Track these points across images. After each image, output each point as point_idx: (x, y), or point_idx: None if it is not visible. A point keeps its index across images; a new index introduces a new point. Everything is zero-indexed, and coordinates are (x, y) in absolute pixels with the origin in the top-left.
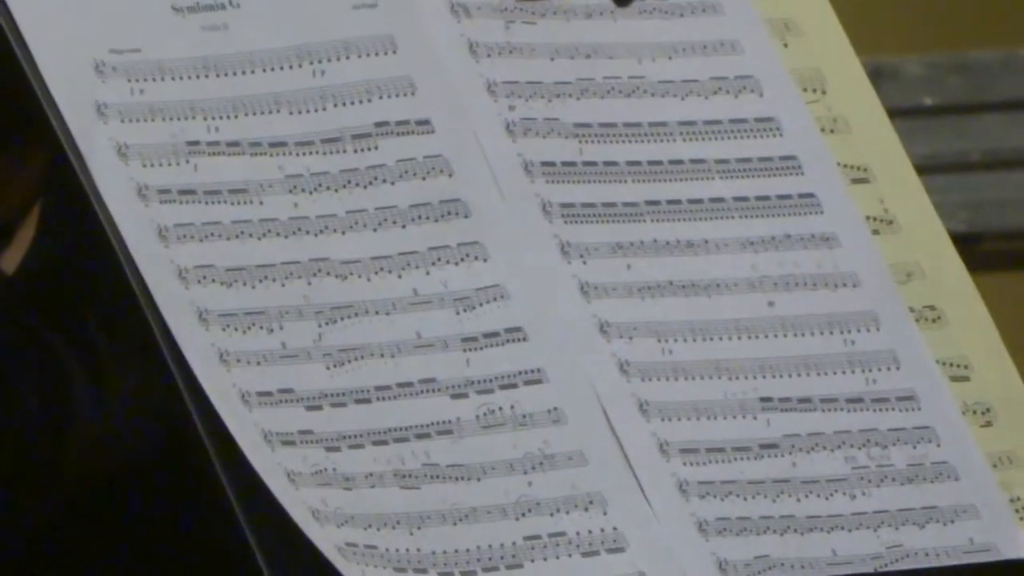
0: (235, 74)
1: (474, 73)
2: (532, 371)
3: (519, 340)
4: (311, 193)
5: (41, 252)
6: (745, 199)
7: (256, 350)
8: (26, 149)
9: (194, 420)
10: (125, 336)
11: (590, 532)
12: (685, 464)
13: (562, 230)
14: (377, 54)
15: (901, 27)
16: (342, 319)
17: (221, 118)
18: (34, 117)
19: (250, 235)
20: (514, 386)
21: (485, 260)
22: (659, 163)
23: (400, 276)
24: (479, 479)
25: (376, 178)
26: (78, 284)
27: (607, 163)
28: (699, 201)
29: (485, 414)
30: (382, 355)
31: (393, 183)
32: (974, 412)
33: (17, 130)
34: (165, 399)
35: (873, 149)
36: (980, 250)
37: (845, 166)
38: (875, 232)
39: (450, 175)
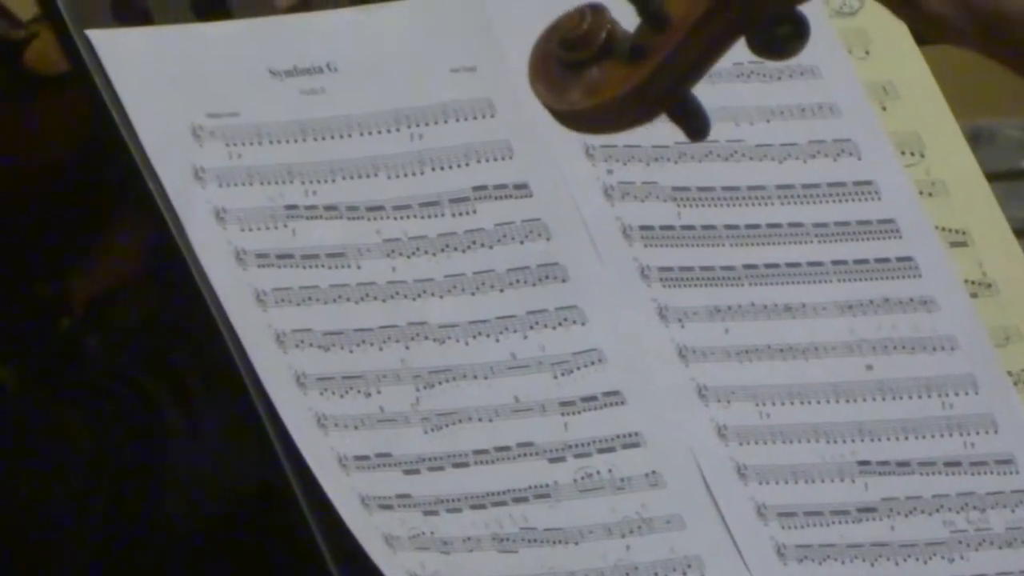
0: (333, 138)
1: (572, 137)
2: (630, 435)
3: (617, 404)
4: (409, 257)
5: (146, 311)
6: (843, 262)
7: (354, 414)
8: (135, 216)
9: (291, 483)
10: (223, 398)
11: None
12: (783, 528)
13: (660, 294)
14: (475, 118)
15: (999, 91)
16: (440, 383)
17: (319, 182)
18: (133, 182)
19: (348, 299)
20: (612, 450)
21: (583, 324)
22: (757, 227)
23: (498, 340)
24: (577, 543)
25: (474, 242)
26: (180, 344)
27: (705, 227)
28: (797, 264)
29: (583, 478)
30: (480, 419)
31: (491, 247)
32: None
33: (126, 197)
34: (261, 462)
35: (971, 212)
36: None
37: (943, 229)
38: (973, 295)
39: (548, 239)
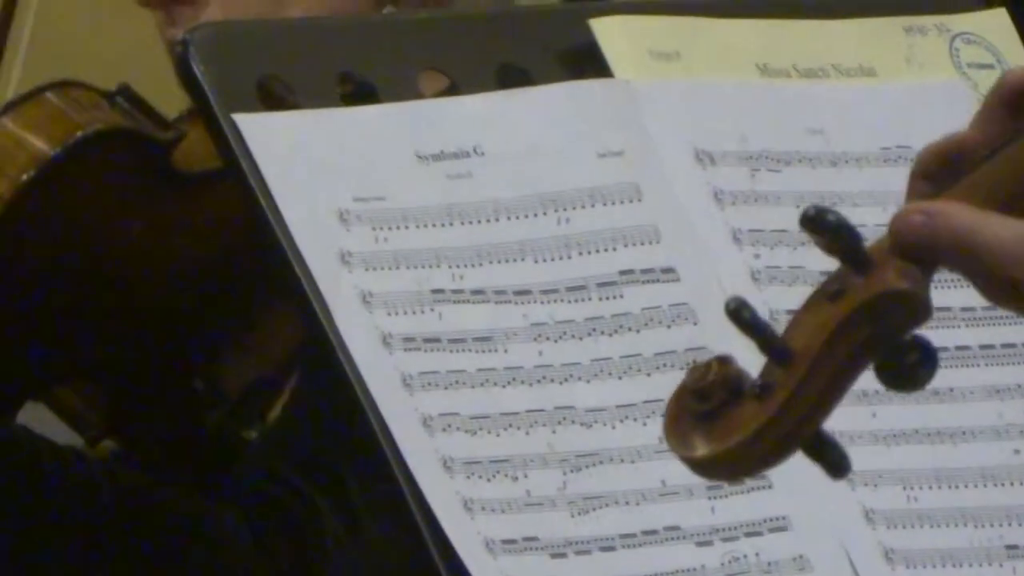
0: (480, 222)
1: (719, 221)
2: (777, 519)
3: (764, 488)
4: (556, 341)
5: (298, 402)
6: (991, 347)
7: (501, 498)
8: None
9: (439, 568)
10: (373, 485)
11: None
12: None
13: None
14: (622, 202)
15: None
16: (587, 467)
17: (466, 266)
18: (279, 267)
19: (494, 383)
20: (759, 534)
21: None
22: None
23: (645, 424)
24: None
25: (621, 326)
26: (331, 434)
27: None
28: (945, 349)
29: (730, 562)
30: (627, 503)
31: (638, 331)
32: None
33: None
34: (415, 549)
35: None
36: None
37: None
38: None
39: (695, 323)
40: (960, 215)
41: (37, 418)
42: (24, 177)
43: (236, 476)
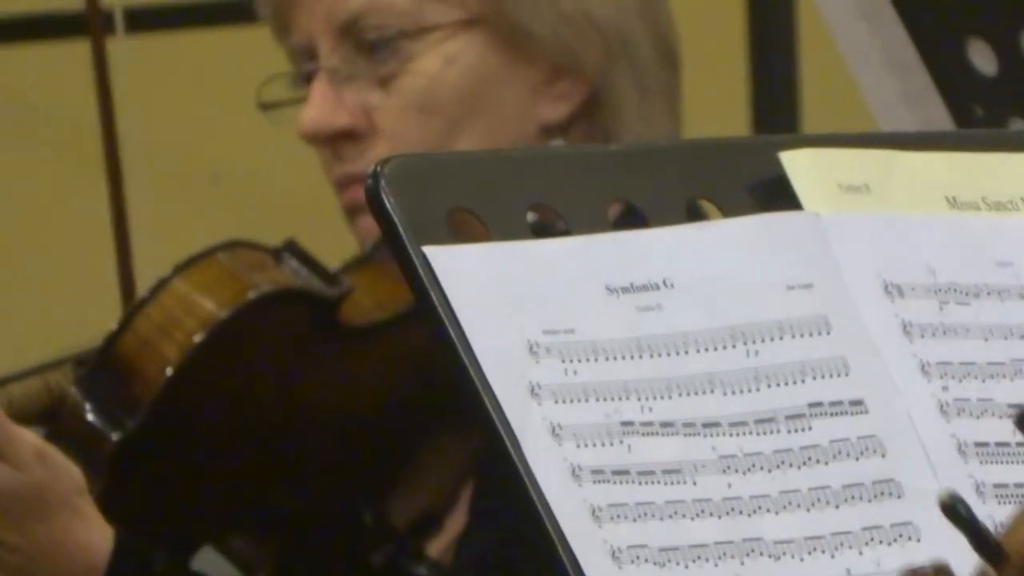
0: (669, 354)
1: (907, 353)
2: None
3: None
4: (744, 473)
5: (475, 543)
6: None
7: None
8: (452, 434)
9: None
10: None
11: None
12: None
13: (995, 510)
14: (811, 334)
15: None
16: None
17: (655, 398)
18: (468, 400)
19: (683, 515)
20: None
21: (918, 540)
22: None
23: (833, 556)
24: None
25: (810, 458)
26: (508, 571)
27: None
28: None
29: None
30: None
31: (827, 463)
32: None
33: (445, 415)
34: None
35: None
36: None
37: None
38: None
39: (883, 455)
40: None
41: (208, 560)
42: (193, 340)
43: None
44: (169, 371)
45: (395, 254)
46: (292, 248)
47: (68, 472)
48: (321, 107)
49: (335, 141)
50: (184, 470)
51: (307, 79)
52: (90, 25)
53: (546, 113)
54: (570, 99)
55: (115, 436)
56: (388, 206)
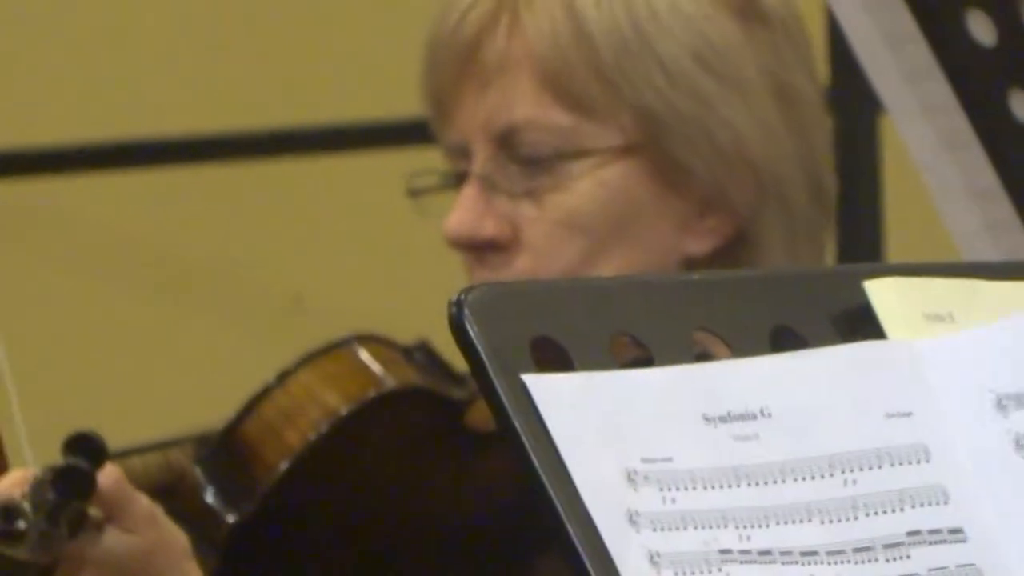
0: (766, 483)
1: (1007, 482)
2: None
3: None
4: None
5: None
6: None
7: None
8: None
9: None
10: None
11: None
12: None
13: None
14: (910, 463)
15: None
16: None
17: (752, 527)
18: (558, 530)
19: None
20: None
21: None
22: None
23: None
24: None
25: None
26: None
27: None
28: None
29: None
30: None
31: None
32: None
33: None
34: None
35: None
36: None
37: None
38: None
39: None
40: None
41: None
42: (313, 433)
43: None
44: (288, 460)
45: (480, 383)
46: (423, 348)
47: (176, 536)
48: (470, 213)
49: (480, 249)
50: (294, 557)
51: (459, 180)
52: None
53: (691, 246)
54: (717, 234)
55: (231, 518)
56: (471, 334)
